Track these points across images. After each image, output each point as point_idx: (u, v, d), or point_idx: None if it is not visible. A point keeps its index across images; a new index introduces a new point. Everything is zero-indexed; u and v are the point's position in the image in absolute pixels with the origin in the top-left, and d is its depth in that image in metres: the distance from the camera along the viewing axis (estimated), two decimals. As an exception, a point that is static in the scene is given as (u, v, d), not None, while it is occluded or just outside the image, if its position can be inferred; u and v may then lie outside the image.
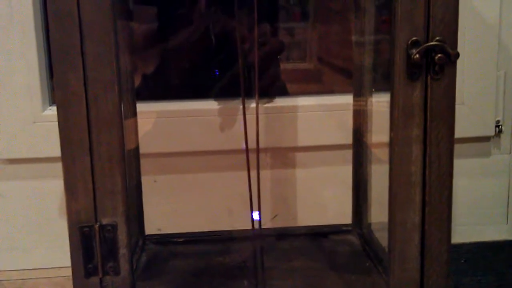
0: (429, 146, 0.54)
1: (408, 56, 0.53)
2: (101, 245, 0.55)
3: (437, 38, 0.53)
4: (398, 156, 0.55)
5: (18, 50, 1.04)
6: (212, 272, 0.77)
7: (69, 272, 1.12)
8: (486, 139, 1.17)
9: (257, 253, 0.82)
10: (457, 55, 0.52)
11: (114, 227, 0.55)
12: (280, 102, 1.08)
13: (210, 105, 1.07)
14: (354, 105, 0.92)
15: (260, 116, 0.86)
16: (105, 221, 0.55)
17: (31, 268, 1.15)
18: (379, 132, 0.85)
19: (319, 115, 1.08)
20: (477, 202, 1.18)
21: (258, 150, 0.79)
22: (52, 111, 1.09)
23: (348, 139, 0.97)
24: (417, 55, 0.52)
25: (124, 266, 0.56)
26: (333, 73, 1.15)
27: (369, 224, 0.84)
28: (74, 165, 0.53)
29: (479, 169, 1.18)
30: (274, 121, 1.07)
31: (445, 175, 0.54)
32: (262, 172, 0.84)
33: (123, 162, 0.53)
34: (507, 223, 1.20)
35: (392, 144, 0.55)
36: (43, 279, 1.14)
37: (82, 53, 0.53)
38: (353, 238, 0.84)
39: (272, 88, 1.08)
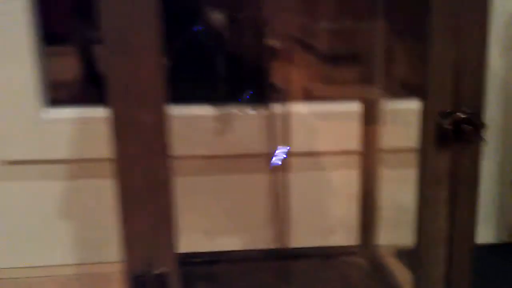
0: (455, 208, 0.60)
1: (438, 126, 0.58)
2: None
3: (467, 110, 0.58)
4: (425, 217, 0.61)
5: (14, 55, 1.06)
6: None
7: (69, 270, 1.16)
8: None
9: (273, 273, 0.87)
10: (484, 126, 0.58)
11: (166, 276, 0.60)
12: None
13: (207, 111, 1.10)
14: (364, 114, 0.96)
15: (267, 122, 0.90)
16: (158, 270, 0.60)
17: (29, 266, 1.19)
18: (390, 147, 0.90)
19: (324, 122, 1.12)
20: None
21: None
22: (49, 114, 1.13)
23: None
24: (449, 126, 0.57)
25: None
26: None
27: (377, 247, 0.90)
28: (133, 223, 0.57)
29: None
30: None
31: (469, 234, 0.61)
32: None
33: (172, 220, 0.58)
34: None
35: (419, 208, 0.61)
36: (45, 277, 1.18)
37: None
38: (361, 261, 0.90)
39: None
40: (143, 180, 0.57)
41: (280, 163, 0.97)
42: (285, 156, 0.97)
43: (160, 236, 0.59)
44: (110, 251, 1.08)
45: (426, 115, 0.59)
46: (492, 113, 1.20)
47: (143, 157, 0.57)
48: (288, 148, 0.98)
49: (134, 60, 0.54)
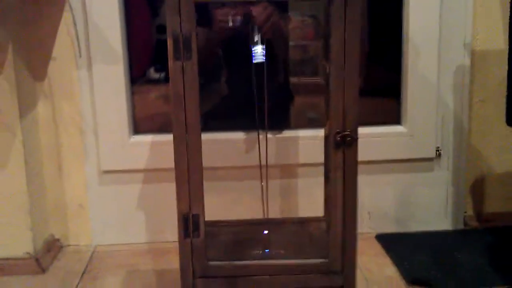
0: (346, 182, 1.17)
1: (335, 138, 1.15)
2: (192, 223, 1.18)
3: (348, 129, 1.14)
4: (330, 188, 1.18)
5: (112, 97, 1.71)
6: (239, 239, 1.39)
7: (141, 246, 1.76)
8: (430, 159, 1.82)
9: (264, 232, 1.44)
10: (356, 140, 1.14)
11: (198, 215, 1.18)
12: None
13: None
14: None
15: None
16: (194, 211, 1.18)
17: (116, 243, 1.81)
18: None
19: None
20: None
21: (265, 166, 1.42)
22: (135, 139, 1.74)
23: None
24: (339, 138, 1.14)
25: (202, 233, 1.19)
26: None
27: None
28: (183, 181, 1.16)
29: (425, 181, 1.83)
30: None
31: (353, 195, 1.17)
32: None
33: (202, 184, 1.17)
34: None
35: (326, 183, 1.18)
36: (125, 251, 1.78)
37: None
38: (323, 225, 1.46)
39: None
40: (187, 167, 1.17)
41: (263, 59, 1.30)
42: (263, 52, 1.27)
43: (196, 197, 1.18)
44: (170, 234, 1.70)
45: (328, 133, 1.16)
46: (449, 138, 1.81)
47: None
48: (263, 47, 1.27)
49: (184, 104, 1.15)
